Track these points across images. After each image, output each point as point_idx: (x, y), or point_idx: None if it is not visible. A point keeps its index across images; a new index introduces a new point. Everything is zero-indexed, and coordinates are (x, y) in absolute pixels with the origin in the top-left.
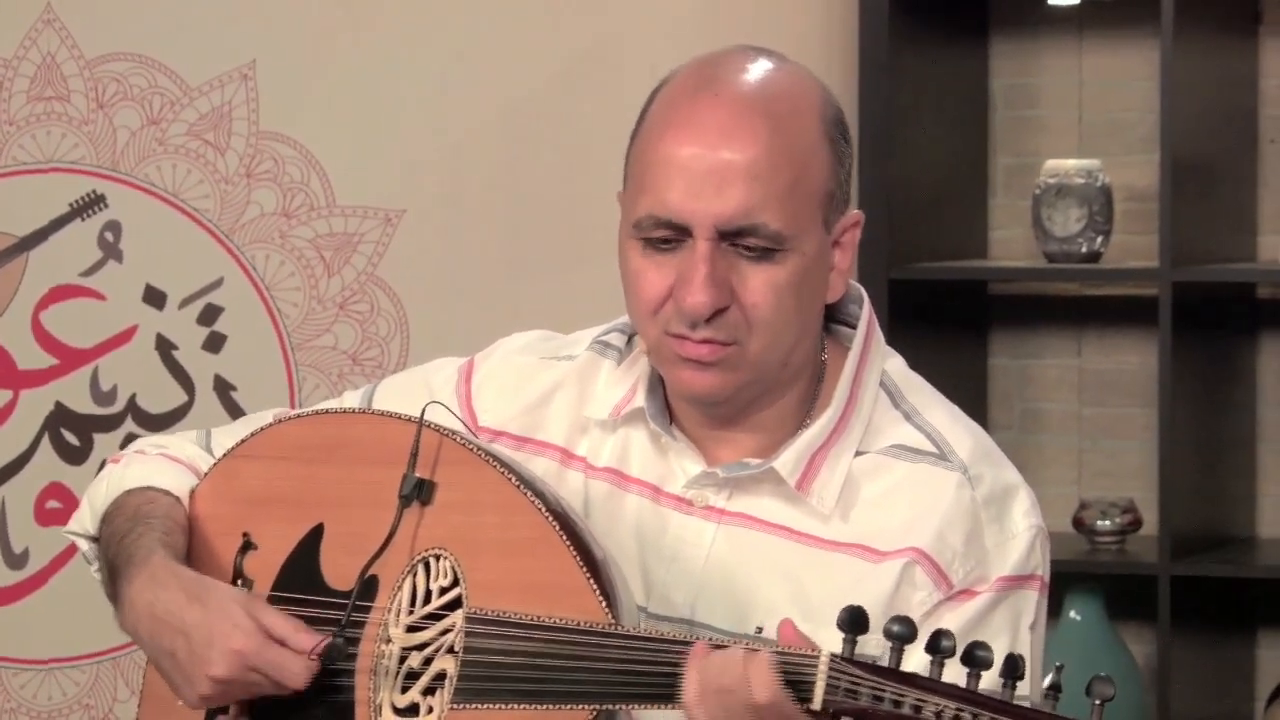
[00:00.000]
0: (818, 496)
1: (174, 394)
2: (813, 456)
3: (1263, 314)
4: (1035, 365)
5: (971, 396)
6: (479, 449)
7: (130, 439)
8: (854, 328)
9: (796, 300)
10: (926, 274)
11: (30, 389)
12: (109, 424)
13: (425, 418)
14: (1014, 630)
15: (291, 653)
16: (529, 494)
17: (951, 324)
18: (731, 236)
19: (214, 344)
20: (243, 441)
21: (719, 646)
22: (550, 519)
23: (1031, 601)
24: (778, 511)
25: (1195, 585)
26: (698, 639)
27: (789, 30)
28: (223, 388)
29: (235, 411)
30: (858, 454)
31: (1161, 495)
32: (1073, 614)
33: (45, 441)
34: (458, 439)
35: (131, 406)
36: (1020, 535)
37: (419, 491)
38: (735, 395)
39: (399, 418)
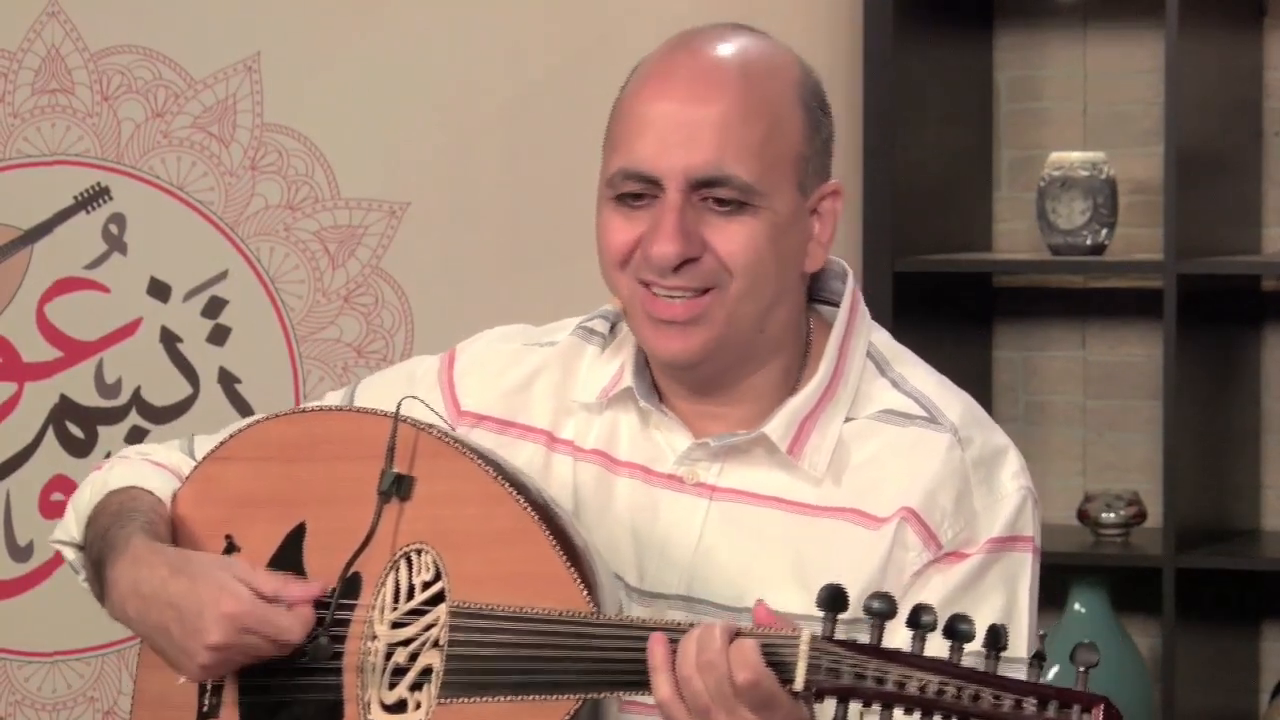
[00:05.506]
0: (809, 461)
1: (179, 387)
2: (802, 422)
3: (1267, 306)
4: (1040, 358)
5: (976, 389)
6: (456, 442)
7: (135, 431)
8: (838, 305)
9: (774, 256)
10: (931, 266)
11: (35, 381)
12: (114, 416)
13: (401, 413)
14: (1010, 592)
15: (284, 608)
16: (507, 485)
17: (956, 317)
18: (702, 188)
19: (218, 337)
20: (222, 444)
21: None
22: (529, 509)
23: (1025, 564)
24: (770, 481)
25: (1200, 578)
26: (679, 625)
27: (793, 22)
28: (227, 380)
29: (240, 404)
30: (847, 420)
31: (1166, 488)
32: (1077, 606)
33: (50, 434)
34: (434, 432)
35: (136, 399)
36: (1009, 496)
37: (398, 487)
38: (712, 356)
39: (376, 413)
